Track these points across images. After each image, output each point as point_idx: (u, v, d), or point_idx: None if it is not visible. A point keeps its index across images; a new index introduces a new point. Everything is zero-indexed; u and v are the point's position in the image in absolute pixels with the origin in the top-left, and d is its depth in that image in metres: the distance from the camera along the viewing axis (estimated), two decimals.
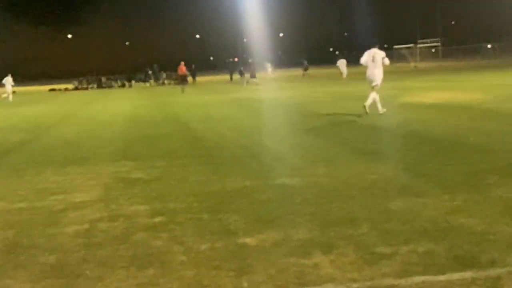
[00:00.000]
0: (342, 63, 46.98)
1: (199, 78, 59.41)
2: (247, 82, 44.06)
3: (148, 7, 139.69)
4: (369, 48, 16.42)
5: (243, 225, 5.89)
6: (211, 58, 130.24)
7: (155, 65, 64.19)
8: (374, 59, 16.12)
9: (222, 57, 59.67)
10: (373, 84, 16.05)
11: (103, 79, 67.17)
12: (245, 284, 4.35)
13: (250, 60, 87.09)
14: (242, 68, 57.19)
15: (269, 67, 57.68)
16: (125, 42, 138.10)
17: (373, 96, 15.91)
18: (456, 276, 4.24)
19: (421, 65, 68.33)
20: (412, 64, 69.71)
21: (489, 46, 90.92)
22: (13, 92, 42.91)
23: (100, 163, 10.40)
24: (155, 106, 26.23)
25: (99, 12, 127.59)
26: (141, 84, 62.79)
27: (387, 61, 16.23)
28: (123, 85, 63.29)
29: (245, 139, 12.62)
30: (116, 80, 66.98)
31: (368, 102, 15.75)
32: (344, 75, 45.15)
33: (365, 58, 16.32)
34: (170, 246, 5.34)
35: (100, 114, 22.76)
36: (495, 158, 8.74)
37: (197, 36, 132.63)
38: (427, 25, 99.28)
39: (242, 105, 23.99)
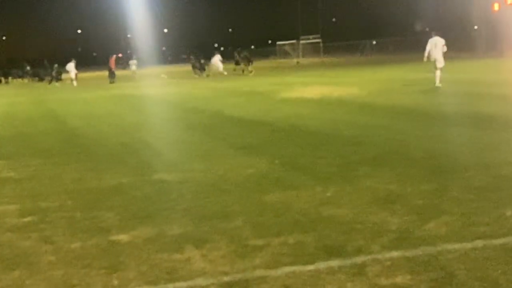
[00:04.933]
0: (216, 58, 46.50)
1: (80, 75, 57.76)
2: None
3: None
4: (431, 37, 20.25)
5: (117, 222, 5.81)
6: (94, 54, 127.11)
7: (45, 61, 61.26)
8: (436, 46, 19.84)
9: (106, 52, 58.34)
10: (439, 66, 19.71)
11: None
12: (116, 282, 4.28)
13: (134, 57, 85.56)
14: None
15: (133, 65, 52.59)
16: (2, 37, 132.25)
17: (438, 74, 19.71)
18: (323, 265, 4.36)
19: (304, 61, 69.78)
20: (295, 60, 71.12)
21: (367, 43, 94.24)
22: None
23: None
24: (33, 103, 25.31)
25: None
26: (19, 80, 60.34)
27: (445, 48, 19.93)
28: None
29: (125, 136, 12.43)
30: None
31: (437, 81, 19.67)
32: (220, 69, 45.04)
33: (429, 46, 20.03)
34: (39, 246, 5.18)
35: None
36: (366, 150, 9.05)
37: (79, 31, 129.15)
38: (309, 22, 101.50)
39: (123, 101, 23.60)
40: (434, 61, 19.97)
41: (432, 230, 5.03)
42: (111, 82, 40.93)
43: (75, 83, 40.93)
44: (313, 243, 4.86)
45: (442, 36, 20.22)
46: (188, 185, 7.27)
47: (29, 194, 7.25)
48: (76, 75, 42.41)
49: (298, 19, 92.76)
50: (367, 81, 26.54)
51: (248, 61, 45.72)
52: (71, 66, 43.04)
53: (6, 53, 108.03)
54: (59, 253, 4.96)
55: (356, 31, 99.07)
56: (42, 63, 60.10)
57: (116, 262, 4.67)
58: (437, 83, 19.69)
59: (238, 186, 7.04)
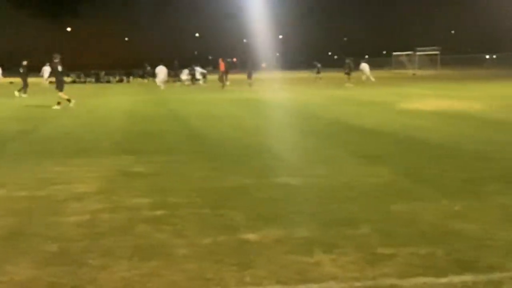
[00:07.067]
0: (365, 67, 47.40)
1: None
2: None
3: (148, 3, 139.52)
4: None
5: (244, 221, 5.94)
6: (210, 57, 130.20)
7: (175, 61, 62.62)
8: None
9: (221, 56, 59.25)
10: None
11: (102, 73, 67.01)
12: (248, 279, 4.39)
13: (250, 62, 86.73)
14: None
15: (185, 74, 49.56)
16: (124, 37, 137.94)
17: None
18: (457, 279, 4.29)
19: (420, 72, 68.31)
20: (411, 71, 69.78)
21: (487, 56, 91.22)
22: (11, 82, 42.87)
23: (100, 156, 10.44)
24: (153, 102, 26.26)
25: (99, 6, 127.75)
26: (139, 80, 62.75)
27: None
28: (121, 80, 63.28)
29: (245, 138, 12.66)
30: (114, 75, 66.92)
31: None
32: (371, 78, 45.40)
33: None
34: (173, 239, 5.38)
35: (99, 109, 22.74)
36: (494, 166, 8.76)
37: (197, 34, 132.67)
38: (426, 33, 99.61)
39: (241, 104, 23.96)
40: None
41: None
42: (222, 87, 40.20)
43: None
44: (444, 256, 4.78)
45: None
46: (313, 190, 7.33)
47: (158, 189, 7.53)
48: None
49: (415, 30, 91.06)
50: (489, 96, 25.62)
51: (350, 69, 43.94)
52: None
53: (128, 53, 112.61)
54: (192, 247, 5.13)
55: (475, 44, 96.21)
56: (172, 63, 61.60)
57: (246, 260, 4.78)
58: None
59: (363, 194, 7.02)
